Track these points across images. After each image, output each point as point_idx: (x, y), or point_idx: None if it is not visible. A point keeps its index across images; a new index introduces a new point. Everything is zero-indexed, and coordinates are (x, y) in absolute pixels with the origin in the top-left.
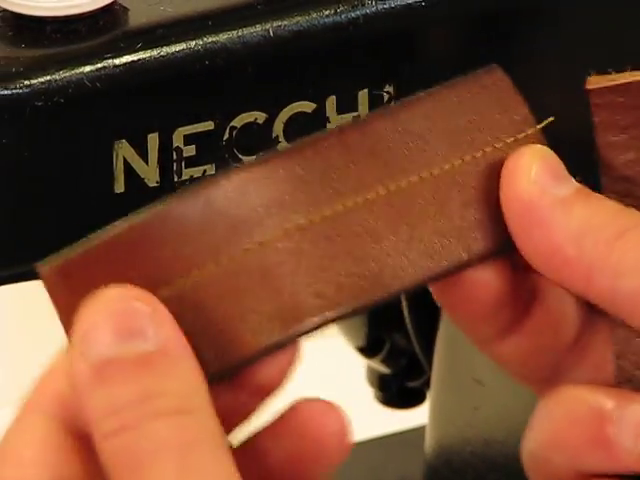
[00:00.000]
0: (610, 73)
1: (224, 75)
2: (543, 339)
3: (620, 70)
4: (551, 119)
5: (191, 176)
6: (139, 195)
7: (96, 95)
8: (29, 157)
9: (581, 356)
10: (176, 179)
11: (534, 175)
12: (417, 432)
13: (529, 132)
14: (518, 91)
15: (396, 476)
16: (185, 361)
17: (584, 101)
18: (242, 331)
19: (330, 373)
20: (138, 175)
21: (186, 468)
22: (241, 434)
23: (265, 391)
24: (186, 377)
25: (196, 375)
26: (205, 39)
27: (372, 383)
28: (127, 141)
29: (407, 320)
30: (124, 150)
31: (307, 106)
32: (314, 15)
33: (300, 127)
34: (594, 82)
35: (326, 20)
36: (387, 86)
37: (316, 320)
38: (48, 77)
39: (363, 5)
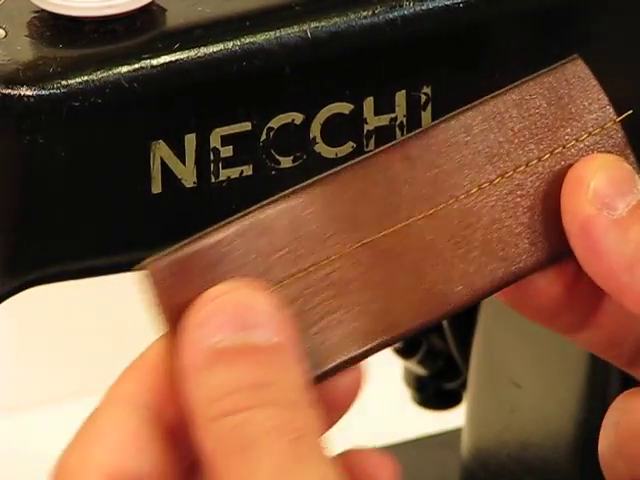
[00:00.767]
0: None
1: (261, 76)
2: (619, 330)
3: None
4: (630, 112)
5: (228, 177)
6: (176, 196)
7: (133, 96)
8: (66, 157)
9: None
10: (213, 180)
11: (592, 192)
12: (453, 434)
13: (608, 125)
14: (599, 83)
15: (432, 478)
16: (296, 361)
17: None
18: (329, 342)
19: (367, 374)
20: (175, 176)
21: (296, 454)
22: None
23: (338, 407)
24: (297, 375)
25: (303, 376)
26: (243, 40)
27: (409, 384)
28: (164, 142)
29: (444, 322)
30: (161, 151)
31: (344, 107)
32: (352, 16)
33: (337, 128)
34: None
35: (364, 21)
36: (424, 87)
37: (387, 339)
38: (85, 77)
39: (401, 6)
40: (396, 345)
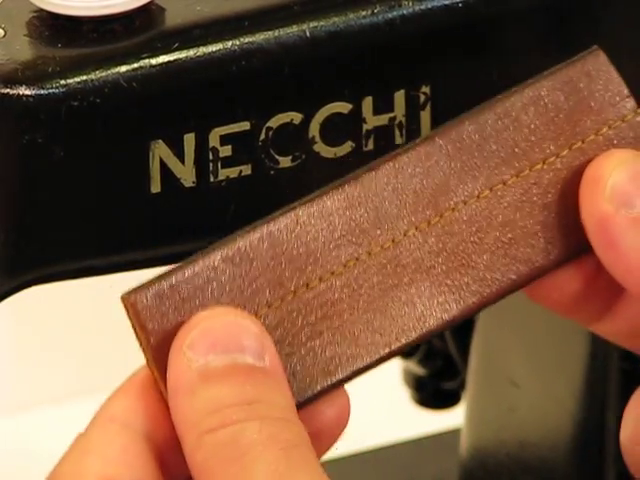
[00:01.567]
0: None
1: (260, 75)
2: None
3: None
4: None
5: (227, 176)
6: (175, 195)
7: (132, 95)
8: (64, 157)
9: None
10: (212, 179)
11: (609, 190)
12: (452, 434)
13: (629, 117)
14: (619, 75)
15: (431, 477)
16: (283, 383)
17: None
18: (313, 367)
19: (366, 374)
20: (174, 175)
21: (289, 462)
22: None
23: (325, 438)
24: (284, 396)
25: (290, 398)
26: (241, 39)
27: (408, 384)
28: (163, 141)
29: None
30: (160, 150)
31: (343, 107)
32: (351, 16)
33: (336, 128)
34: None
35: (363, 21)
36: (424, 87)
37: (376, 357)
38: (84, 77)
39: (400, 6)
40: None
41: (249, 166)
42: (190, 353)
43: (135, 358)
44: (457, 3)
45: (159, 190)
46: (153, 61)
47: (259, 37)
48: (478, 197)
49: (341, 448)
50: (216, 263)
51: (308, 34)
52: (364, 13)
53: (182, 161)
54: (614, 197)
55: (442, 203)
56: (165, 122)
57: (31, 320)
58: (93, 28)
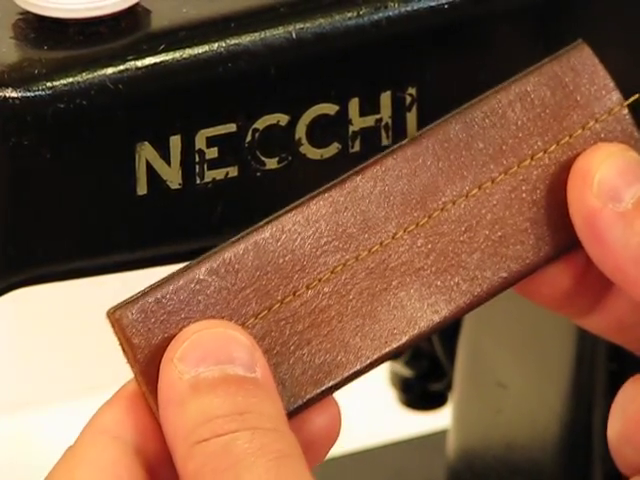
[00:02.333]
0: None
1: (246, 77)
2: (629, 315)
3: None
4: (637, 95)
5: (214, 178)
6: (161, 197)
7: (118, 97)
8: (51, 159)
9: None
10: (198, 181)
11: (596, 186)
12: (439, 435)
13: (616, 110)
14: (605, 68)
15: (418, 479)
16: (274, 393)
17: None
18: (302, 376)
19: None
20: (160, 177)
21: (279, 472)
22: None
23: (316, 449)
24: (275, 407)
25: (281, 408)
26: (228, 41)
27: (394, 385)
28: (149, 143)
29: None
30: (146, 152)
31: (330, 108)
32: (337, 17)
33: (322, 129)
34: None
35: (349, 22)
36: (410, 88)
37: (366, 363)
38: (70, 79)
39: (386, 7)
40: None
41: (235, 168)
42: (181, 365)
43: None
44: (443, 4)
45: (145, 192)
46: (139, 63)
47: (245, 39)
48: (467, 196)
49: None
50: (201, 276)
51: (294, 35)
52: (350, 14)
53: (168, 163)
54: (601, 192)
55: (430, 204)
56: (151, 124)
57: (31, 319)
58: (79, 30)
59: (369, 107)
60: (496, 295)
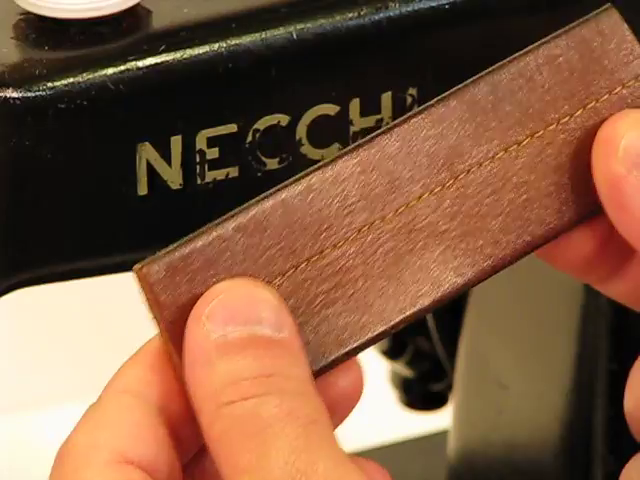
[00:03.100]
0: None
1: (247, 78)
2: None
3: None
4: None
5: (214, 179)
6: (162, 198)
7: (119, 97)
8: (52, 159)
9: None
10: (199, 182)
11: (622, 152)
12: (440, 435)
13: None
14: (633, 33)
15: None
16: (301, 354)
17: None
18: (327, 336)
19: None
20: (161, 178)
21: (309, 438)
22: None
23: (339, 410)
24: (302, 368)
25: (308, 369)
26: (228, 42)
27: (395, 386)
28: (150, 144)
29: (430, 323)
30: (147, 153)
31: (330, 109)
32: (337, 18)
33: (323, 130)
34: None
35: (349, 23)
36: (410, 89)
37: (390, 324)
38: (71, 79)
39: (387, 8)
40: (383, 347)
41: (236, 168)
42: (209, 324)
43: None
44: (443, 4)
45: (146, 192)
46: (140, 63)
47: (246, 39)
48: (492, 158)
49: None
50: (229, 233)
51: (295, 36)
52: (351, 15)
53: (169, 163)
54: (626, 158)
55: (456, 165)
56: (152, 124)
57: (31, 319)
58: (80, 30)
59: (370, 107)
60: (519, 259)
